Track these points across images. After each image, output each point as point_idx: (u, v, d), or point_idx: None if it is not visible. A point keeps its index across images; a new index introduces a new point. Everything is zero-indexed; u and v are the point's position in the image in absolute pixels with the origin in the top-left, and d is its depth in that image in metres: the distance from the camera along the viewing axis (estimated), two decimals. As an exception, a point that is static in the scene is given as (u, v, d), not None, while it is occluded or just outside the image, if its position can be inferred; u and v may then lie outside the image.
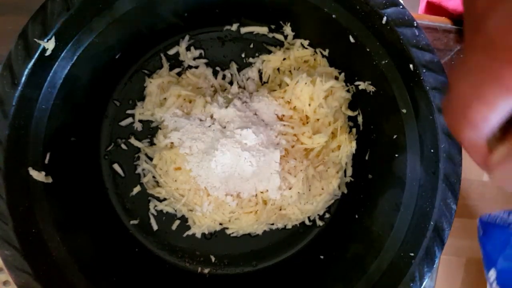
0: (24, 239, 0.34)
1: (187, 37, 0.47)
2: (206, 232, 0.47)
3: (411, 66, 0.36)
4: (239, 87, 0.47)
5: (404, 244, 0.38)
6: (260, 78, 0.48)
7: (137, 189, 0.46)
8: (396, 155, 0.40)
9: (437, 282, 0.47)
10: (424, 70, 0.36)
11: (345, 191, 0.47)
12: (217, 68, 0.47)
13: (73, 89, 0.39)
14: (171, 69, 0.47)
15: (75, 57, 0.38)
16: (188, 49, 0.47)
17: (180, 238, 0.46)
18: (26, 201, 0.36)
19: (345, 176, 0.47)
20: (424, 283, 0.36)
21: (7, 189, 0.34)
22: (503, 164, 0.21)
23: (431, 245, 0.36)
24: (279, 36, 0.47)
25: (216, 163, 0.41)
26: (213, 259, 0.47)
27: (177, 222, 0.46)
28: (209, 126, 0.43)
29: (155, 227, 0.46)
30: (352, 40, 0.41)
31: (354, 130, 0.46)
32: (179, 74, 0.47)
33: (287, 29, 0.46)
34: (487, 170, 0.21)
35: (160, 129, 0.46)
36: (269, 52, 0.47)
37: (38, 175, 0.37)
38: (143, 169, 0.46)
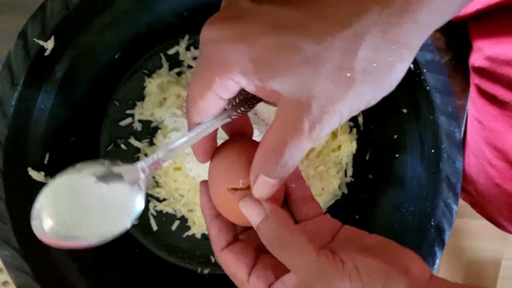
0: (23, 239, 0.34)
1: (187, 37, 0.46)
2: (206, 233, 0.47)
3: (411, 66, 0.36)
4: (239, 87, 0.46)
5: (405, 245, 0.37)
6: (260, 78, 0.47)
7: (137, 189, 0.46)
8: (397, 155, 0.40)
9: (437, 282, 0.47)
10: (425, 70, 0.36)
11: (346, 191, 0.47)
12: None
13: (72, 89, 0.39)
14: (171, 69, 0.47)
15: (75, 57, 0.38)
16: (188, 49, 0.47)
17: (180, 238, 0.46)
18: (26, 201, 0.36)
19: (345, 176, 0.47)
20: (425, 283, 0.36)
21: (6, 189, 0.34)
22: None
23: (431, 245, 0.36)
24: (279, 36, 0.47)
25: (216, 163, 0.41)
26: (213, 259, 0.47)
27: (177, 222, 0.46)
28: (209, 126, 0.43)
29: (154, 227, 0.46)
30: (352, 40, 0.40)
31: (354, 130, 0.46)
32: (179, 74, 0.47)
33: (287, 29, 0.46)
34: None
35: (160, 129, 0.46)
36: (269, 52, 0.47)
37: (37, 175, 0.37)
38: (143, 169, 0.46)
